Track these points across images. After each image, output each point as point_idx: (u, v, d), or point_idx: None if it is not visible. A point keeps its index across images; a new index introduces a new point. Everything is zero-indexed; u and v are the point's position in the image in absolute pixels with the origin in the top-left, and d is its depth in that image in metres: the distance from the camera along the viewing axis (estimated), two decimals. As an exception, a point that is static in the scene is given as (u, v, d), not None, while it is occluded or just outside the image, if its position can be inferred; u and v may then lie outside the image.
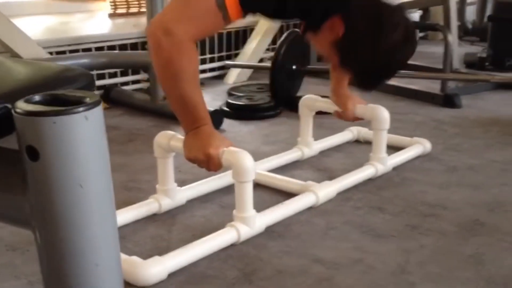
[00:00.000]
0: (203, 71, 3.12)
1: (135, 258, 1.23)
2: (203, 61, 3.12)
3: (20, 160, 0.57)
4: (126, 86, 2.87)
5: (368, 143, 2.00)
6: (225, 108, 2.51)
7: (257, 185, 1.66)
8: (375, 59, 1.37)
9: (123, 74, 2.86)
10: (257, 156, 1.77)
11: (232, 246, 1.36)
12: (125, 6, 3.19)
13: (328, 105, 1.88)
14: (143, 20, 2.67)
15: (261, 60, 3.36)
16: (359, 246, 1.38)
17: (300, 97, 1.99)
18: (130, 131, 2.29)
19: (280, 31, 3.38)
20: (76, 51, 2.60)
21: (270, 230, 1.44)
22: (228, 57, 3.31)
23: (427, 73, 2.98)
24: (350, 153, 2.04)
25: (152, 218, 1.52)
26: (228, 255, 1.33)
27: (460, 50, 3.39)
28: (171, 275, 1.23)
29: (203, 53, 3.11)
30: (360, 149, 2.06)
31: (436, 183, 1.76)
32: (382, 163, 1.80)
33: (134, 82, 2.92)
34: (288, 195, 1.63)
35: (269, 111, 2.50)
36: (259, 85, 2.89)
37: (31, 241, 0.63)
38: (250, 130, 2.32)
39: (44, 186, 0.57)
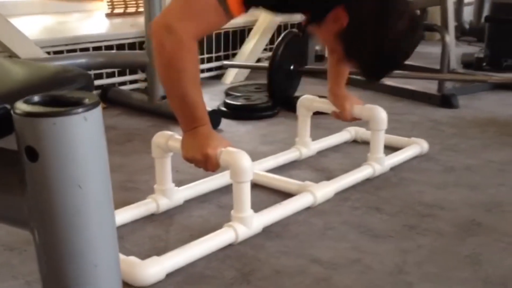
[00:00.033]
0: (201, 71, 3.12)
1: (133, 258, 1.23)
2: (201, 61, 3.12)
3: (19, 160, 0.57)
4: (124, 86, 2.87)
5: (365, 143, 2.00)
6: (223, 108, 2.51)
7: (255, 185, 1.66)
8: (380, 48, 1.35)
9: (121, 74, 2.86)
10: (255, 156, 1.77)
11: (230, 246, 1.36)
12: (123, 5, 3.19)
13: (326, 106, 1.88)
14: (141, 20, 2.66)
15: (258, 60, 3.36)
16: (356, 246, 1.38)
17: (297, 97, 1.99)
18: (128, 131, 2.29)
19: (278, 31, 3.38)
20: (74, 51, 2.60)
21: (268, 230, 1.44)
22: (226, 57, 3.31)
23: (424, 73, 2.99)
24: (348, 153, 2.04)
25: (150, 218, 1.52)
26: (226, 255, 1.33)
27: (457, 50, 3.40)
28: (169, 275, 1.23)
29: (201, 53, 3.11)
30: (358, 149, 2.06)
31: (434, 183, 1.76)
32: (379, 163, 1.81)
33: (131, 82, 2.92)
34: (286, 195, 1.63)
35: (266, 111, 2.50)
36: (257, 85, 2.89)
37: (29, 241, 0.63)
38: (247, 130, 2.32)
39: (43, 186, 0.57)
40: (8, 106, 0.60)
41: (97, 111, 0.57)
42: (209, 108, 2.22)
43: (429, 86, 2.78)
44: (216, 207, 1.59)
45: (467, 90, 2.90)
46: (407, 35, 1.37)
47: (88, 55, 2.50)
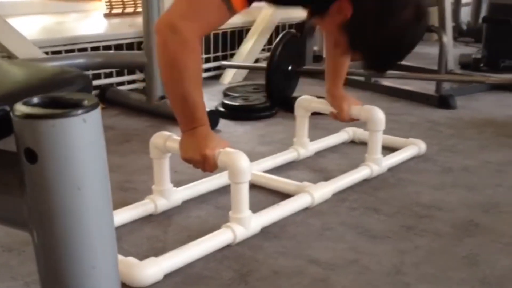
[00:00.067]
0: (200, 71, 3.12)
1: (131, 259, 1.23)
2: (199, 61, 3.12)
3: (18, 162, 0.58)
4: (122, 86, 2.87)
5: (363, 144, 2.01)
6: (221, 109, 2.51)
7: (253, 186, 1.66)
8: (385, 39, 1.33)
9: (119, 74, 2.86)
10: (253, 156, 1.77)
11: (228, 247, 1.36)
12: (121, 6, 3.19)
13: (323, 106, 1.88)
14: (139, 20, 2.66)
15: (256, 61, 3.36)
16: (354, 246, 1.38)
17: (295, 98, 2.00)
18: (126, 131, 2.29)
19: (276, 31, 3.39)
20: (72, 51, 2.60)
21: (266, 231, 1.45)
22: (224, 58, 3.32)
23: (422, 74, 3.00)
24: (346, 154, 2.04)
25: (148, 219, 1.52)
26: (224, 256, 1.33)
27: (455, 51, 3.40)
28: (167, 276, 1.23)
29: (199, 53, 3.11)
30: (356, 150, 2.06)
31: (431, 184, 1.76)
32: (377, 164, 1.81)
33: (130, 82, 2.92)
34: (283, 196, 1.63)
35: (264, 112, 2.50)
36: (255, 86, 2.89)
37: (27, 242, 0.64)
38: (245, 131, 2.32)
39: (42, 188, 0.57)
40: (7, 107, 0.60)
41: (96, 113, 0.57)
42: (207, 109, 2.23)
43: (427, 87, 2.79)
44: (214, 208, 1.60)
45: (465, 91, 2.91)
46: (412, 25, 1.34)
47: (86, 55, 2.50)
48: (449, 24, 3.21)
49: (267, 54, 3.01)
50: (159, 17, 1.35)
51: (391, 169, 1.87)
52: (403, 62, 3.30)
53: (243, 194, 1.37)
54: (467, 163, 1.94)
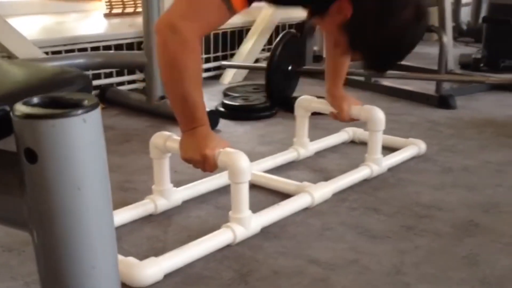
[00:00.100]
0: (199, 71, 3.12)
1: (131, 259, 1.24)
2: (199, 61, 3.12)
3: (18, 162, 0.58)
4: (122, 86, 2.87)
5: (363, 144, 2.01)
6: (221, 109, 2.51)
7: (253, 186, 1.66)
8: (385, 39, 1.33)
9: (119, 74, 2.86)
10: (253, 156, 1.77)
11: (228, 247, 1.36)
12: (121, 6, 3.19)
13: (323, 106, 1.88)
14: (139, 20, 2.66)
15: (256, 61, 3.36)
16: (354, 246, 1.38)
17: (295, 98, 2.00)
18: (126, 131, 2.29)
19: (276, 31, 3.39)
20: (72, 51, 2.60)
21: (266, 231, 1.45)
22: (224, 58, 3.32)
23: (422, 74, 3.00)
24: (346, 154, 2.04)
25: (148, 219, 1.52)
26: (224, 256, 1.33)
27: (455, 51, 3.40)
28: (167, 276, 1.23)
29: (198, 53, 3.11)
30: (356, 150, 2.06)
31: (431, 184, 1.76)
32: (377, 164, 1.81)
33: (129, 82, 2.92)
34: (283, 196, 1.63)
35: (264, 112, 2.50)
36: (255, 86, 2.89)
37: (27, 241, 0.64)
38: (245, 131, 2.32)
39: (42, 188, 0.57)
40: (7, 107, 0.60)
41: (96, 113, 0.57)
42: (207, 109, 2.23)
43: (427, 87, 2.79)
44: (214, 208, 1.60)
45: (465, 91, 2.91)
46: (412, 25, 1.34)
47: (86, 55, 2.50)
48: (449, 24, 3.21)
49: (267, 54, 3.01)
50: (159, 17, 1.35)
51: (391, 169, 1.87)
52: (403, 62, 3.30)
53: (243, 194, 1.37)
54: (467, 163, 1.94)
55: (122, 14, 3.19)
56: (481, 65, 3.41)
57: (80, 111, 0.55)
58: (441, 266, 1.29)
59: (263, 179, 1.73)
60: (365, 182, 1.77)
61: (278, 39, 2.58)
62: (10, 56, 2.32)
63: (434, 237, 1.43)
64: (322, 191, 1.62)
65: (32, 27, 2.74)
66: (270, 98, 2.55)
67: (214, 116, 2.28)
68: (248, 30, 3.35)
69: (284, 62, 2.58)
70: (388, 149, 1.97)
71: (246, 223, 1.39)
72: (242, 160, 1.34)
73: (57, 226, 0.59)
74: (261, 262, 1.31)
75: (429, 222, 1.51)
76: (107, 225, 0.62)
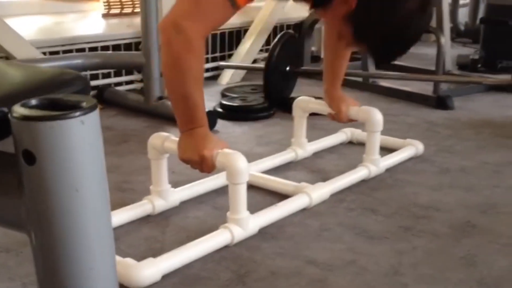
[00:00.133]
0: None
1: (129, 260, 1.24)
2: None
3: (16, 164, 0.58)
4: (120, 86, 2.87)
5: (361, 144, 2.01)
6: (219, 109, 2.51)
7: (251, 186, 1.66)
8: (390, 29, 1.32)
9: (117, 74, 2.86)
10: (251, 157, 1.77)
11: (226, 247, 1.37)
12: (119, 6, 3.19)
13: (321, 107, 1.89)
14: (137, 20, 2.65)
15: (255, 61, 3.36)
16: (352, 247, 1.38)
17: (293, 98, 2.00)
18: (124, 132, 2.29)
19: (274, 32, 3.39)
20: (70, 51, 2.60)
21: (264, 232, 1.45)
22: (222, 58, 3.32)
23: (419, 75, 3.00)
24: (344, 155, 2.04)
25: (145, 219, 1.52)
26: (222, 257, 1.33)
27: (452, 52, 3.41)
28: (165, 277, 1.24)
29: (196, 53, 3.10)
30: (354, 150, 2.07)
31: (429, 185, 1.77)
32: (375, 164, 1.81)
33: (127, 82, 2.92)
34: (281, 196, 1.63)
35: (262, 112, 2.50)
36: (253, 86, 2.89)
37: (25, 242, 0.64)
38: (243, 131, 2.32)
39: (40, 190, 0.57)
40: (5, 109, 0.60)
41: (95, 115, 0.57)
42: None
43: (425, 88, 2.79)
44: (212, 209, 1.60)
45: (462, 91, 2.91)
46: (417, 15, 1.33)
47: (84, 55, 2.50)
48: (447, 25, 3.22)
49: (265, 54, 3.01)
50: (164, 16, 1.35)
51: (389, 170, 1.87)
52: (401, 63, 3.32)
53: (241, 195, 1.37)
54: (464, 163, 1.95)
55: (120, 15, 3.19)
56: (479, 66, 3.41)
57: (78, 113, 0.55)
58: (438, 267, 1.30)
59: (261, 180, 1.73)
60: (363, 182, 1.77)
61: (276, 39, 2.58)
62: (7, 57, 2.32)
63: (432, 237, 1.43)
64: (320, 191, 1.63)
65: (30, 28, 2.74)
66: (268, 99, 2.56)
67: (212, 117, 2.28)
68: (246, 30, 3.35)
69: (282, 62, 2.58)
70: (386, 150, 1.98)
71: (244, 223, 1.39)
72: (240, 161, 1.34)
73: (55, 227, 0.59)
74: (259, 263, 1.31)
75: (427, 223, 1.51)
76: (105, 226, 0.62)
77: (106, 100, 2.66)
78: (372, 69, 2.97)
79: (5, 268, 1.28)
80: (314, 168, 1.92)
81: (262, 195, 1.67)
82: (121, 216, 1.48)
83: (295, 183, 1.69)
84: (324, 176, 1.80)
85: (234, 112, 2.49)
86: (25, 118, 0.55)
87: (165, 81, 1.36)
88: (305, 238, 1.43)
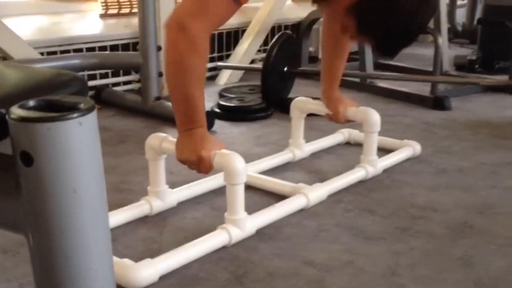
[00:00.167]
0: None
1: (126, 260, 1.23)
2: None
3: (14, 165, 0.58)
4: (118, 87, 2.87)
5: (359, 145, 2.01)
6: (216, 110, 2.51)
7: (248, 187, 1.66)
8: (394, 21, 1.31)
9: (114, 74, 2.85)
10: (248, 157, 1.77)
11: (224, 248, 1.37)
12: (117, 6, 3.18)
13: (319, 107, 1.89)
14: (135, 20, 2.65)
15: (252, 61, 3.36)
16: (349, 248, 1.39)
17: (291, 99, 2.00)
18: (121, 132, 2.29)
19: (272, 32, 3.39)
20: (67, 51, 2.59)
21: (261, 233, 1.45)
22: (220, 58, 3.32)
23: (417, 75, 3.01)
24: (341, 155, 2.05)
25: (143, 220, 1.52)
26: (220, 258, 1.33)
27: (450, 52, 3.42)
28: (163, 278, 1.24)
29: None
30: (351, 151, 2.07)
31: (426, 186, 1.77)
32: (372, 165, 1.81)
33: (125, 83, 2.92)
34: (279, 197, 1.64)
35: (260, 113, 2.50)
36: (251, 87, 2.89)
37: (22, 243, 0.64)
38: (241, 132, 2.32)
39: (38, 191, 0.57)
40: (3, 110, 0.60)
41: (92, 116, 0.57)
42: (202, 110, 2.23)
43: (423, 88, 2.80)
44: (210, 209, 1.60)
45: (460, 92, 2.92)
46: (422, 6, 1.32)
47: (81, 56, 2.50)
48: (444, 25, 3.23)
49: (263, 55, 3.01)
50: (170, 14, 1.35)
51: (386, 171, 1.87)
52: (398, 64, 3.32)
53: (239, 196, 1.37)
54: (462, 164, 1.95)
55: (118, 15, 3.19)
56: (476, 66, 3.42)
57: (76, 114, 0.55)
58: (436, 268, 1.30)
59: (258, 181, 1.73)
60: (360, 183, 1.78)
61: (274, 40, 2.58)
62: (5, 57, 2.31)
63: (429, 238, 1.44)
64: (318, 192, 1.63)
65: (27, 28, 2.73)
66: (266, 99, 2.56)
67: (209, 117, 2.26)
68: (244, 31, 3.35)
69: (280, 63, 2.58)
70: (383, 151, 1.98)
71: (242, 224, 1.39)
72: (238, 161, 1.34)
73: (52, 228, 0.59)
74: (257, 264, 1.31)
75: (424, 224, 1.51)
76: (103, 227, 0.62)
77: (103, 100, 2.65)
78: (369, 69, 2.98)
79: (2, 269, 1.28)
80: (311, 169, 1.92)
81: (259, 196, 1.67)
82: (119, 216, 1.48)
83: (292, 183, 1.69)
84: (322, 177, 1.80)
85: (232, 112, 2.49)
86: (23, 119, 0.55)
87: (167, 81, 1.36)
88: (303, 238, 1.44)
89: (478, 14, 4.00)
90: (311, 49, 3.57)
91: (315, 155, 2.03)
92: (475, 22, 4.01)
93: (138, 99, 2.58)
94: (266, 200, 1.63)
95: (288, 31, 2.87)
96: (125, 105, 2.61)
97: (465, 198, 1.68)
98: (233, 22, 3.25)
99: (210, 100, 2.70)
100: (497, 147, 2.14)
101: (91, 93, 2.68)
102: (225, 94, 2.78)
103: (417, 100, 2.73)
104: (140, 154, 1.60)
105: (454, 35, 4.33)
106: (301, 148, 1.98)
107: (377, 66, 3.25)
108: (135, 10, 3.03)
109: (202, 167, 1.35)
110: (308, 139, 2.01)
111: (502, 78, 3.03)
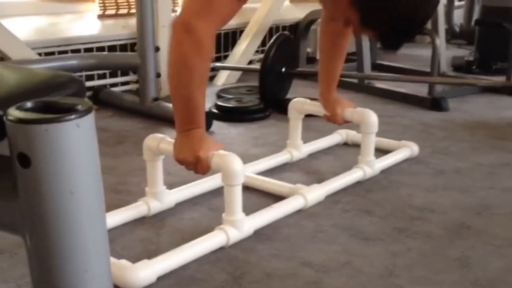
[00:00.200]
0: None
1: (124, 261, 1.23)
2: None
3: (12, 166, 0.58)
4: (115, 87, 2.86)
5: (356, 146, 2.01)
6: (214, 110, 2.51)
7: (246, 188, 1.66)
8: (397, 14, 1.28)
9: (112, 75, 2.85)
10: (246, 158, 1.77)
11: (221, 249, 1.37)
12: (114, 7, 3.18)
13: (317, 108, 1.89)
14: (132, 21, 2.65)
15: (250, 62, 3.36)
16: (347, 249, 1.39)
17: (289, 100, 2.00)
18: (119, 133, 2.28)
19: (270, 33, 3.39)
20: (65, 52, 2.59)
21: (259, 233, 1.45)
22: (218, 59, 3.32)
23: (414, 76, 3.01)
24: (339, 156, 2.05)
25: (141, 221, 1.52)
26: (217, 258, 1.33)
27: (447, 53, 3.42)
28: (160, 279, 1.24)
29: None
30: (349, 152, 2.07)
31: (424, 186, 1.77)
32: (370, 166, 1.81)
33: (123, 83, 2.92)
34: (277, 198, 1.64)
35: (258, 114, 2.50)
36: (249, 87, 2.89)
37: (19, 244, 0.64)
38: (239, 132, 2.32)
39: (35, 192, 0.57)
40: (0, 112, 0.60)
41: (90, 118, 0.57)
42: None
43: (420, 89, 2.80)
44: (208, 210, 1.60)
45: (457, 93, 2.92)
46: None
47: (79, 56, 2.50)
48: (442, 26, 3.23)
49: (261, 56, 3.01)
50: (177, 15, 1.36)
51: (384, 171, 1.88)
52: (396, 64, 3.32)
53: (237, 196, 1.37)
54: (459, 165, 1.95)
55: (116, 16, 3.19)
56: (474, 67, 3.43)
57: (73, 116, 0.55)
58: (433, 268, 1.30)
59: (256, 181, 1.73)
60: (358, 184, 1.78)
61: (271, 41, 2.58)
62: (2, 57, 2.31)
63: (427, 239, 1.44)
64: (315, 193, 1.63)
65: (25, 28, 2.73)
66: (264, 100, 2.56)
67: (207, 118, 2.26)
68: (241, 31, 3.35)
69: (277, 64, 2.58)
70: (381, 151, 1.98)
71: (239, 225, 1.39)
72: (235, 162, 1.34)
73: (50, 229, 0.59)
74: (254, 265, 1.31)
75: (422, 224, 1.52)
76: (100, 228, 0.62)
77: (101, 101, 2.65)
78: (367, 70, 2.98)
79: None
80: (309, 170, 1.92)
81: (257, 197, 1.67)
82: (116, 217, 1.48)
83: (290, 184, 1.69)
84: (320, 178, 1.80)
85: (230, 113, 2.49)
86: (20, 121, 0.55)
87: (169, 80, 1.36)
88: (300, 239, 1.44)
89: (475, 15, 4.00)
90: (309, 50, 3.57)
91: (313, 156, 2.03)
92: (472, 23, 4.01)
93: (136, 99, 2.58)
94: (264, 201, 1.63)
95: (286, 32, 2.87)
96: (123, 105, 2.61)
97: (462, 199, 1.68)
98: (231, 22, 3.22)
99: (208, 101, 2.67)
100: (494, 148, 2.14)
101: (89, 93, 2.68)
102: (223, 95, 2.79)
103: (414, 101, 2.73)
104: (138, 155, 1.60)
105: (452, 36, 4.34)
106: (299, 149, 1.98)
107: (375, 67, 3.26)
108: (133, 10, 3.03)
109: (200, 167, 1.35)
110: (306, 140, 2.02)
111: (500, 79, 3.04)
